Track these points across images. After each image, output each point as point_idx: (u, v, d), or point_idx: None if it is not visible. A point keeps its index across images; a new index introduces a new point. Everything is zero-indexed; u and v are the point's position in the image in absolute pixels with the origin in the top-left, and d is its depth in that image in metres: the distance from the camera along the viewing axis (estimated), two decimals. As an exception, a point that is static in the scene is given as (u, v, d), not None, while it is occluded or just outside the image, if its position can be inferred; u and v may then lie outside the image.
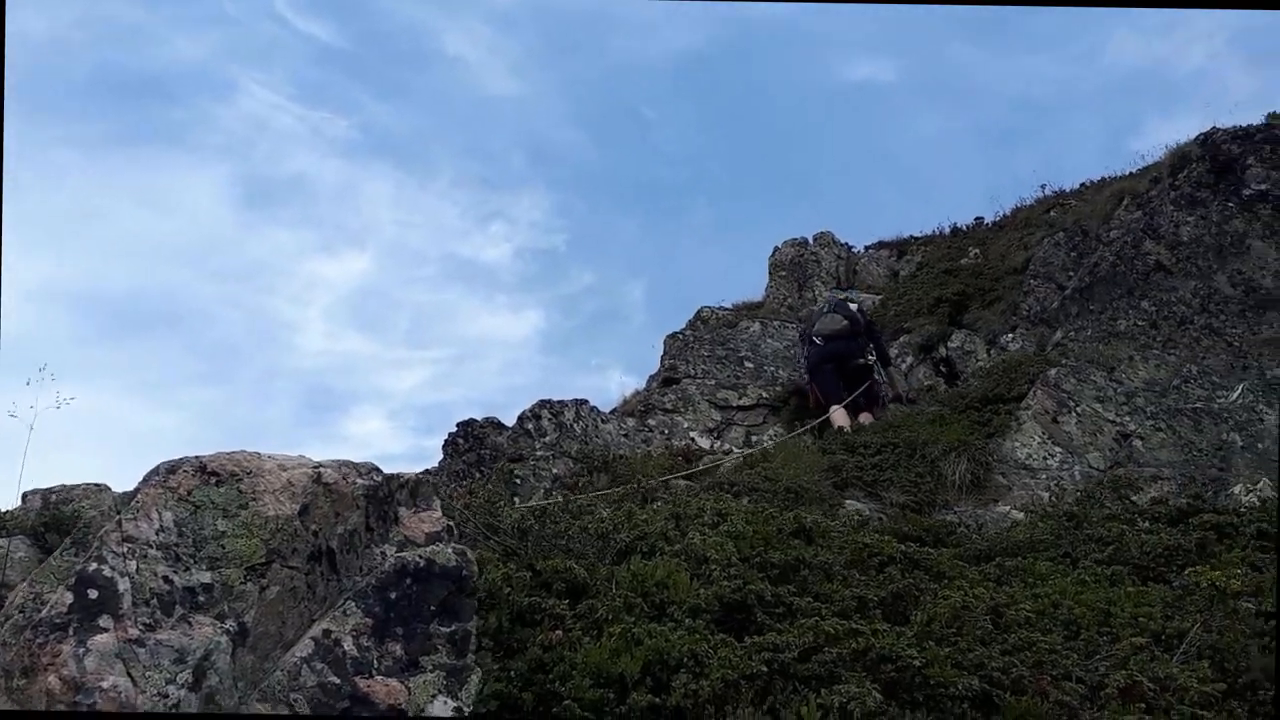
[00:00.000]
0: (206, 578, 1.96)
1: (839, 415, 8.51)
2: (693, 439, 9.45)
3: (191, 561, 1.97)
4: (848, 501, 6.63)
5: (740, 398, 9.92)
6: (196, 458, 2.07)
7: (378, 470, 2.32)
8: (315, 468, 2.17)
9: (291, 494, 2.09)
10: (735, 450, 8.83)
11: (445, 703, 1.99)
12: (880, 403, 8.89)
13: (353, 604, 2.10)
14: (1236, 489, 6.30)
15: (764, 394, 9.73)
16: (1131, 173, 10.77)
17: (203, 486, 2.04)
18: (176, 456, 2.04)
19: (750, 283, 15.62)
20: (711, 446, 9.33)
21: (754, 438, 9.46)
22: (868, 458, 7.35)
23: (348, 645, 2.02)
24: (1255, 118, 9.17)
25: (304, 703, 1.92)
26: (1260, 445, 7.07)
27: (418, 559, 2.20)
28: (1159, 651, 3.45)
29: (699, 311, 13.54)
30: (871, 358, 8.91)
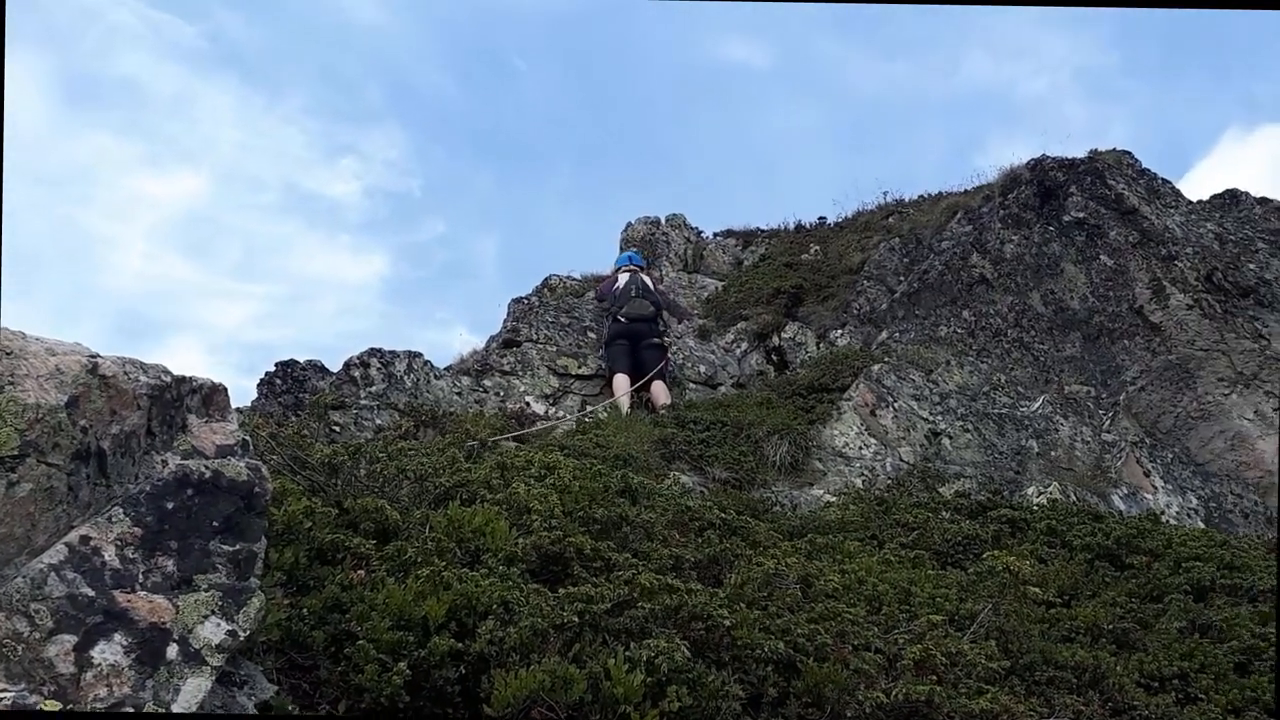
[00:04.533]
0: (-61, 465, 1.67)
1: (620, 383, 8.95)
2: (528, 403, 9.28)
3: (-78, 445, 1.68)
4: (673, 473, 6.67)
5: (580, 366, 9.83)
6: (-57, 328, 1.75)
7: (167, 371, 2.05)
8: (91, 357, 1.89)
9: (60, 382, 1.81)
10: (569, 417, 8.75)
11: (218, 624, 1.78)
12: (669, 377, 9.37)
13: (120, 511, 1.85)
14: (1030, 490, 6.74)
15: (604, 365, 9.68)
16: (967, 190, 11.38)
17: (-54, 361, 1.73)
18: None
19: (601, 254, 15.57)
20: (546, 413, 9.19)
21: (589, 407, 9.39)
22: (696, 433, 7.45)
23: (109, 555, 1.77)
24: (1084, 150, 9.87)
25: (47, 614, 1.67)
26: (1053, 453, 7.61)
27: (203, 469, 1.96)
28: (952, 630, 3.62)
29: (547, 279, 13.35)
30: (666, 338, 9.62)
